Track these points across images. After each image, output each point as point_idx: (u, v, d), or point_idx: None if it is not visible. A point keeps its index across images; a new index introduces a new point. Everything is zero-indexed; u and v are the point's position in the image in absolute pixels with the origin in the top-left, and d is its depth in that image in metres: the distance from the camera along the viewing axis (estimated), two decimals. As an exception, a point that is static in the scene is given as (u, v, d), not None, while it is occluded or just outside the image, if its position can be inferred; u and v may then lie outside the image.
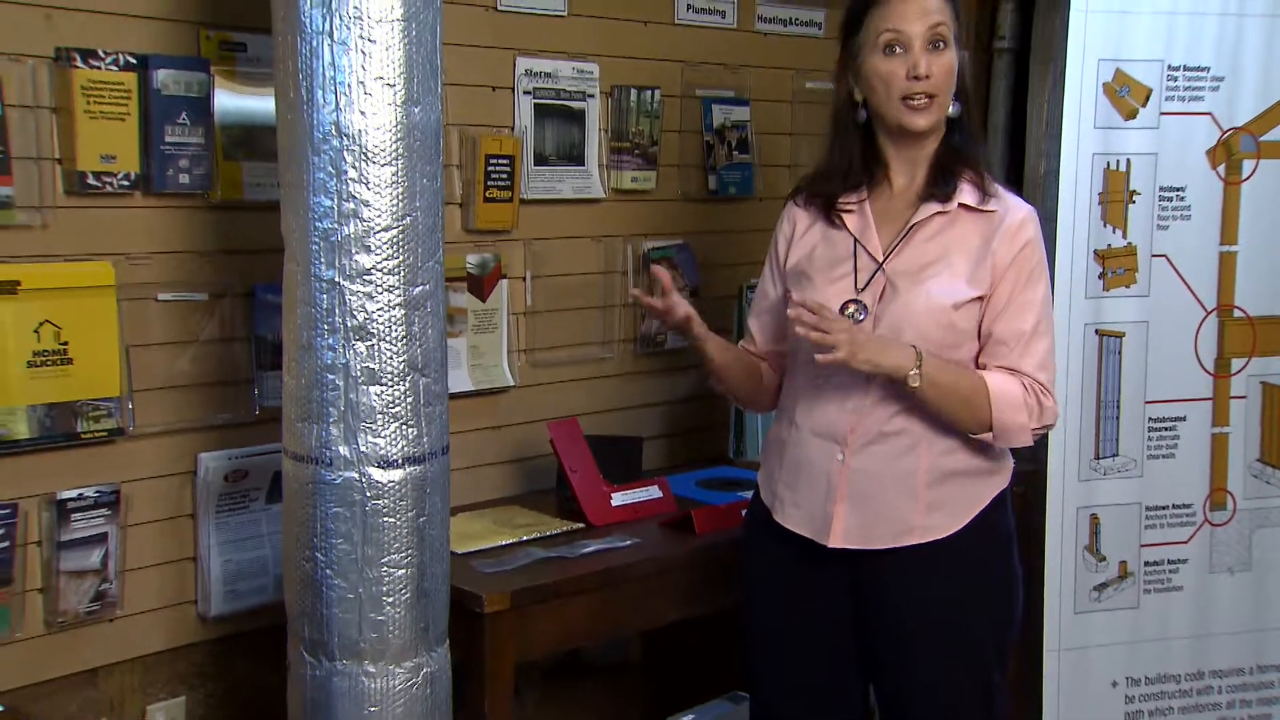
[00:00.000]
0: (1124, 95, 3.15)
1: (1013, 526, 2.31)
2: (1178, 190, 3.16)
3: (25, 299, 2.28)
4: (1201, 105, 3.16)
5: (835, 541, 2.24)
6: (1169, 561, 3.28)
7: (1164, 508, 3.24)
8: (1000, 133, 3.97)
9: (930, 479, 2.20)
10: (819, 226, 2.32)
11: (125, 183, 2.37)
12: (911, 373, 2.08)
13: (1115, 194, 3.19)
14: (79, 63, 2.29)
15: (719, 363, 2.38)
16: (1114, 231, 3.19)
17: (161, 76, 2.38)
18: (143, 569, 2.47)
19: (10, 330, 2.27)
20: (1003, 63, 3.95)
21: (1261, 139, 3.20)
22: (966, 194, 2.21)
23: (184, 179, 2.43)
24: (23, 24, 2.25)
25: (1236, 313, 3.24)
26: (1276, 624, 3.36)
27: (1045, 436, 2.48)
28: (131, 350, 2.41)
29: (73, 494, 2.36)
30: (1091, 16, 3.12)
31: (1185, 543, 3.29)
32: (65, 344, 2.33)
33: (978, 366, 2.20)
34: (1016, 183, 3.92)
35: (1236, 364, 3.27)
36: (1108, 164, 3.18)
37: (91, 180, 2.33)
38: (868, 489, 2.22)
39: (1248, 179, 3.20)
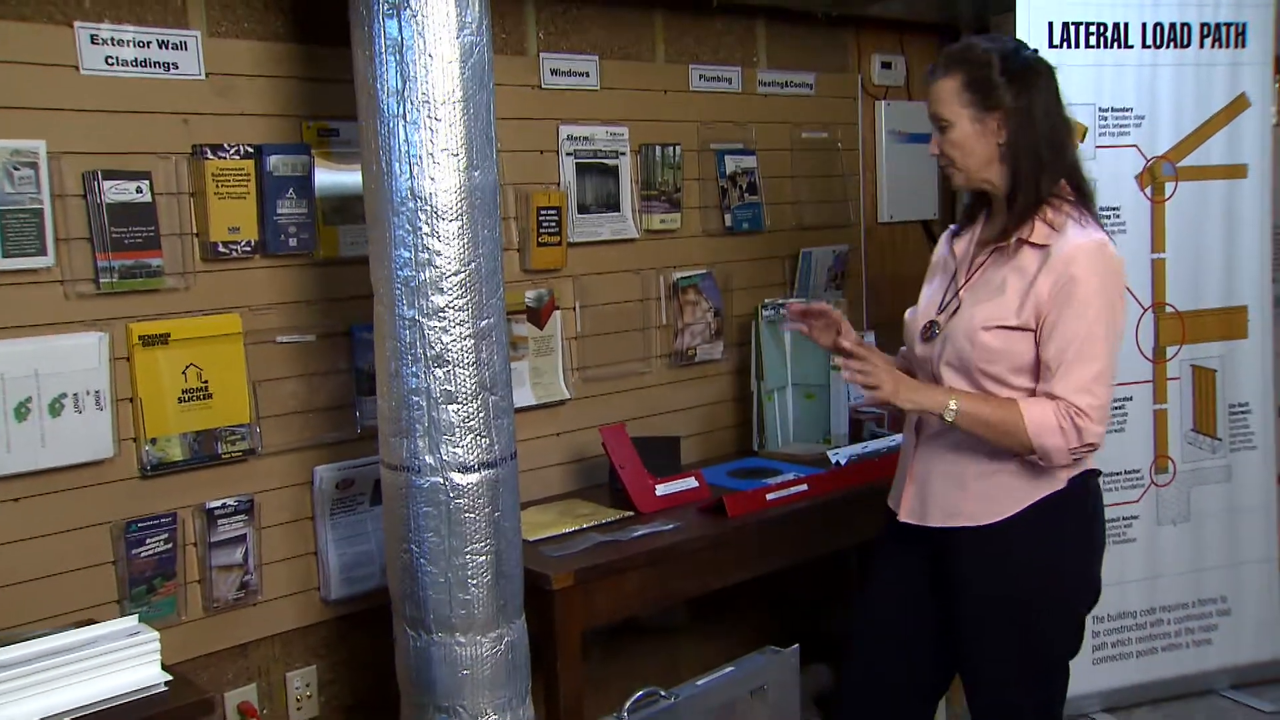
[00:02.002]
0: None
1: (1068, 527, 2.09)
2: (1114, 209, 3.12)
3: (174, 348, 2.28)
4: (1128, 139, 3.15)
5: (902, 515, 2.19)
6: (1123, 518, 3.22)
7: (1118, 473, 3.18)
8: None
9: (979, 472, 2.09)
10: (947, 251, 2.23)
11: (247, 249, 2.36)
12: (948, 409, 2.03)
13: (1063, 214, 3.13)
14: (209, 155, 2.29)
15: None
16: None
17: (273, 161, 2.37)
18: (275, 563, 2.46)
19: (165, 374, 2.27)
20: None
21: (1179, 165, 3.20)
22: (1031, 231, 2.04)
23: (293, 242, 2.41)
24: (167, 129, 2.27)
25: (1168, 309, 3.21)
26: (1211, 564, 3.32)
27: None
28: (257, 384, 2.40)
29: (218, 503, 2.36)
30: (1035, 69, 3.07)
31: (1136, 501, 3.23)
32: (206, 382, 2.33)
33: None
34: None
35: (1171, 351, 3.23)
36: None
37: (221, 248, 2.33)
38: (928, 474, 2.15)
39: (1170, 198, 3.19)
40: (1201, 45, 3.21)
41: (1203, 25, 3.21)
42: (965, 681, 2.20)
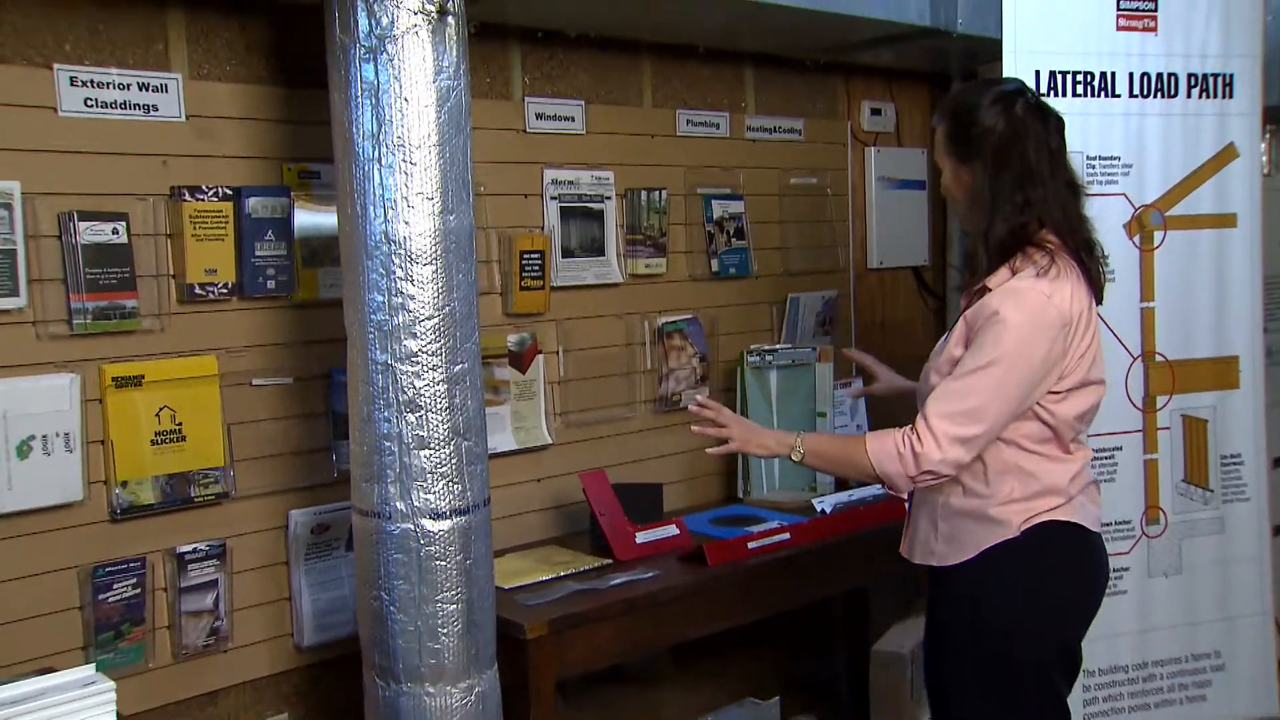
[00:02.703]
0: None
1: (1017, 578, 2.07)
2: (1104, 258, 3.08)
3: (148, 389, 2.26)
4: (1116, 187, 3.12)
5: (901, 549, 2.27)
6: (1115, 570, 3.13)
7: (1108, 524, 3.12)
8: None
9: (944, 513, 2.13)
10: None
11: (224, 290, 2.35)
12: (794, 453, 2.15)
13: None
14: (187, 196, 2.29)
15: None
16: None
17: (252, 203, 2.37)
18: (248, 608, 2.43)
19: (137, 416, 2.25)
20: (954, 157, 3.89)
21: (1167, 214, 3.17)
22: (996, 277, 2.05)
23: (271, 284, 2.40)
24: (145, 170, 2.26)
25: (1158, 358, 3.18)
26: (1204, 618, 3.25)
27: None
28: (232, 427, 2.37)
29: (189, 548, 2.33)
30: (1021, 117, 3.07)
31: (1127, 553, 3.18)
32: (180, 425, 2.30)
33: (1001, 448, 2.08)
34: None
35: (1161, 400, 3.19)
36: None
37: (198, 290, 2.32)
38: (916, 512, 2.22)
39: (1159, 247, 3.16)
40: (1189, 95, 3.21)
41: (1190, 75, 3.21)
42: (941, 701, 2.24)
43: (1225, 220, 3.25)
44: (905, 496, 2.19)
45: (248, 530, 2.41)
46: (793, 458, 2.14)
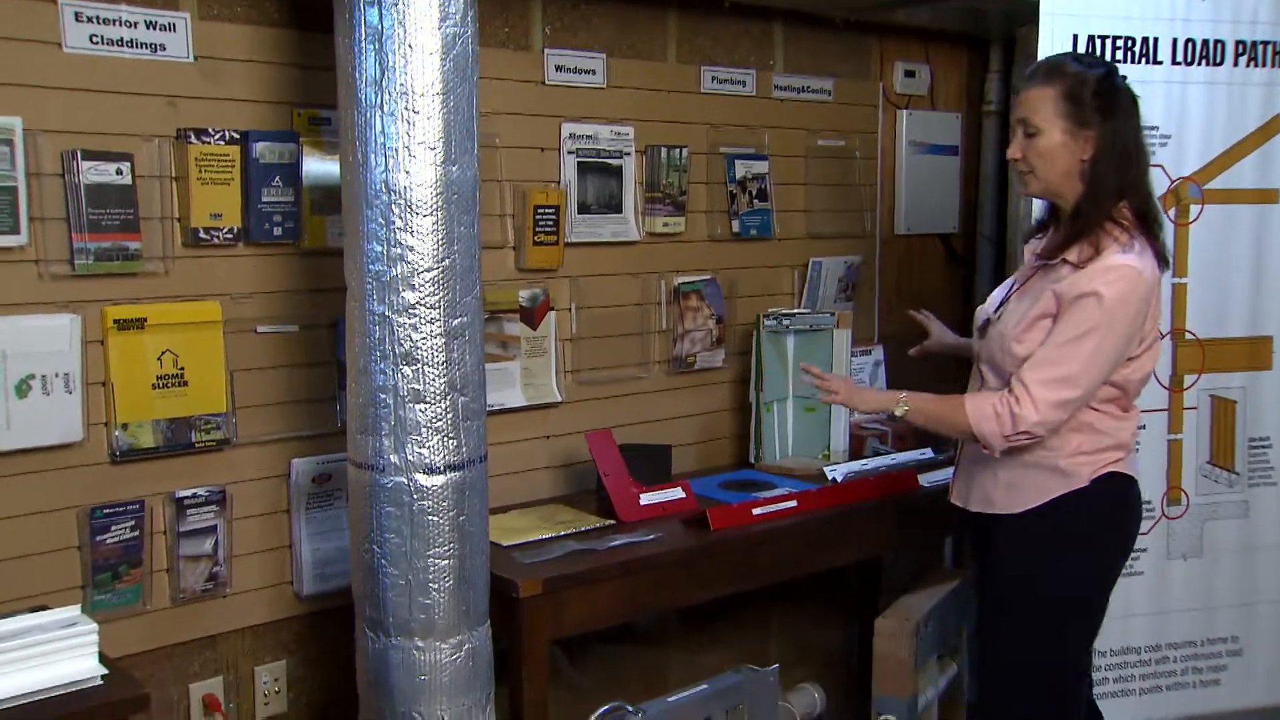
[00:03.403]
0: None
1: (1084, 528, 2.24)
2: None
3: (150, 333, 2.24)
4: (1154, 159, 2.96)
5: (952, 498, 2.42)
6: (1133, 551, 3.09)
7: (1127, 504, 3.05)
8: (990, 182, 3.81)
9: (1010, 464, 2.24)
10: (1023, 255, 2.42)
11: (229, 236, 2.32)
12: (898, 408, 2.30)
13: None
14: (194, 139, 2.26)
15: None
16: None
17: (259, 148, 2.33)
18: (248, 555, 2.42)
19: (139, 359, 2.23)
20: (990, 123, 3.79)
21: (1205, 187, 3.06)
22: (1077, 251, 2.17)
23: (277, 231, 2.37)
24: (151, 111, 2.23)
25: (1188, 335, 3.09)
26: (1223, 602, 3.18)
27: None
28: (235, 373, 2.36)
29: (189, 493, 2.32)
30: (1057, 82, 2.97)
31: (1146, 534, 3.10)
32: (182, 369, 2.29)
33: None
34: (1001, 224, 3.76)
35: (1189, 380, 3.10)
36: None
37: (203, 235, 2.29)
38: (970, 462, 2.35)
39: (1195, 221, 3.06)
40: (1235, 64, 3.09)
41: (1238, 43, 3.08)
42: (977, 646, 2.40)
43: (1267, 196, 3.14)
44: (999, 455, 2.25)
45: (249, 477, 2.40)
46: (896, 412, 2.30)
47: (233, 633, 2.43)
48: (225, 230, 2.31)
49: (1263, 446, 3.18)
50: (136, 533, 2.25)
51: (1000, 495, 2.27)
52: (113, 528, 2.21)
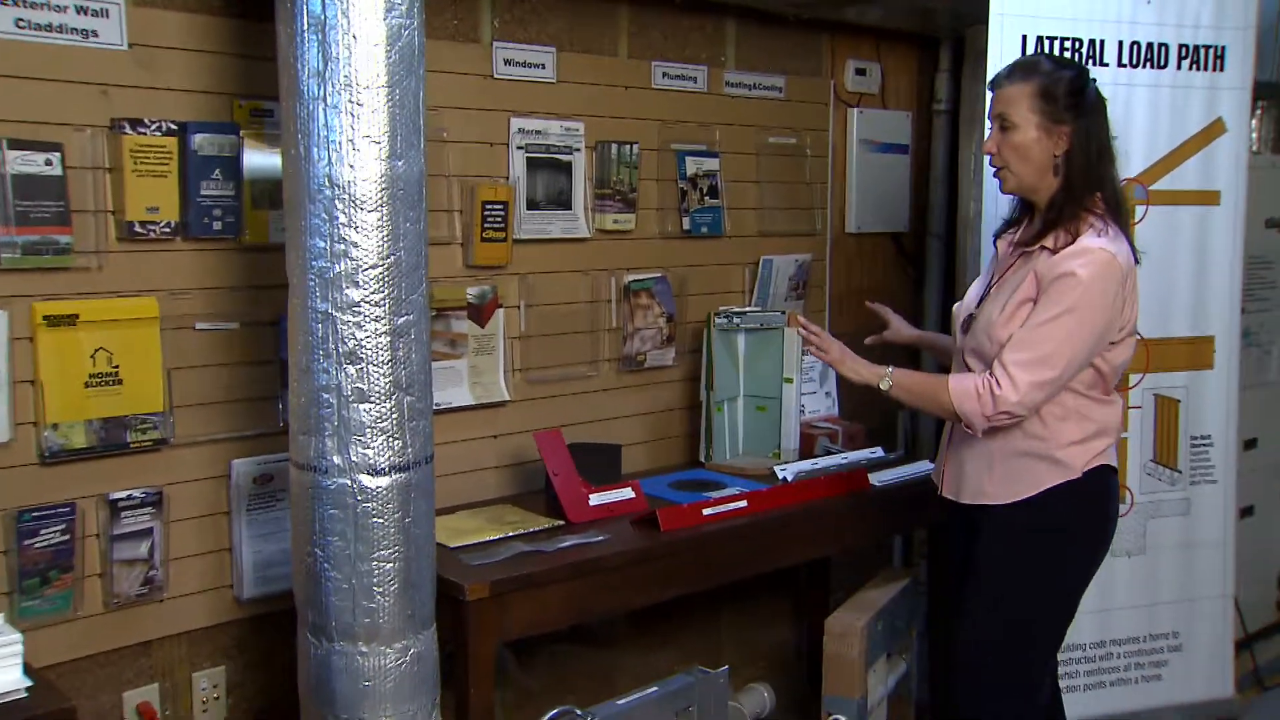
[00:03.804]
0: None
1: (1077, 515, 2.28)
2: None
3: (83, 329, 2.17)
4: (1102, 158, 3.02)
5: (943, 491, 2.43)
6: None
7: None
8: (941, 182, 3.83)
9: (1004, 455, 2.27)
10: (994, 251, 2.46)
11: (167, 230, 2.25)
12: (884, 382, 2.33)
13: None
14: (128, 130, 2.18)
15: (943, 356, 2.69)
16: (1026, 265, 3.04)
17: (198, 140, 2.27)
18: (185, 558, 2.35)
19: (71, 356, 2.16)
20: (940, 122, 3.81)
21: (1151, 188, 3.10)
22: (1054, 239, 2.22)
23: (217, 225, 2.31)
24: (84, 99, 2.15)
25: (1133, 335, 3.10)
26: (1164, 598, 3.23)
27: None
28: (173, 372, 2.29)
29: (123, 495, 2.24)
30: (1006, 82, 2.98)
31: (1091, 532, 3.13)
32: (117, 367, 2.21)
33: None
34: (951, 224, 3.77)
35: (1134, 379, 3.13)
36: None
37: (139, 228, 2.22)
38: (961, 454, 2.36)
39: (1140, 222, 3.07)
40: (1179, 67, 3.13)
41: (1181, 46, 3.13)
42: (955, 634, 2.37)
43: (1208, 197, 3.18)
44: (981, 435, 2.28)
45: (187, 478, 2.33)
46: (881, 386, 2.32)
47: (169, 638, 2.37)
48: (162, 224, 2.24)
49: (1204, 445, 3.23)
50: (67, 536, 2.18)
51: (994, 486, 2.30)
52: (42, 531, 2.14)
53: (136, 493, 2.26)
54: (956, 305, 2.49)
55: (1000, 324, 2.25)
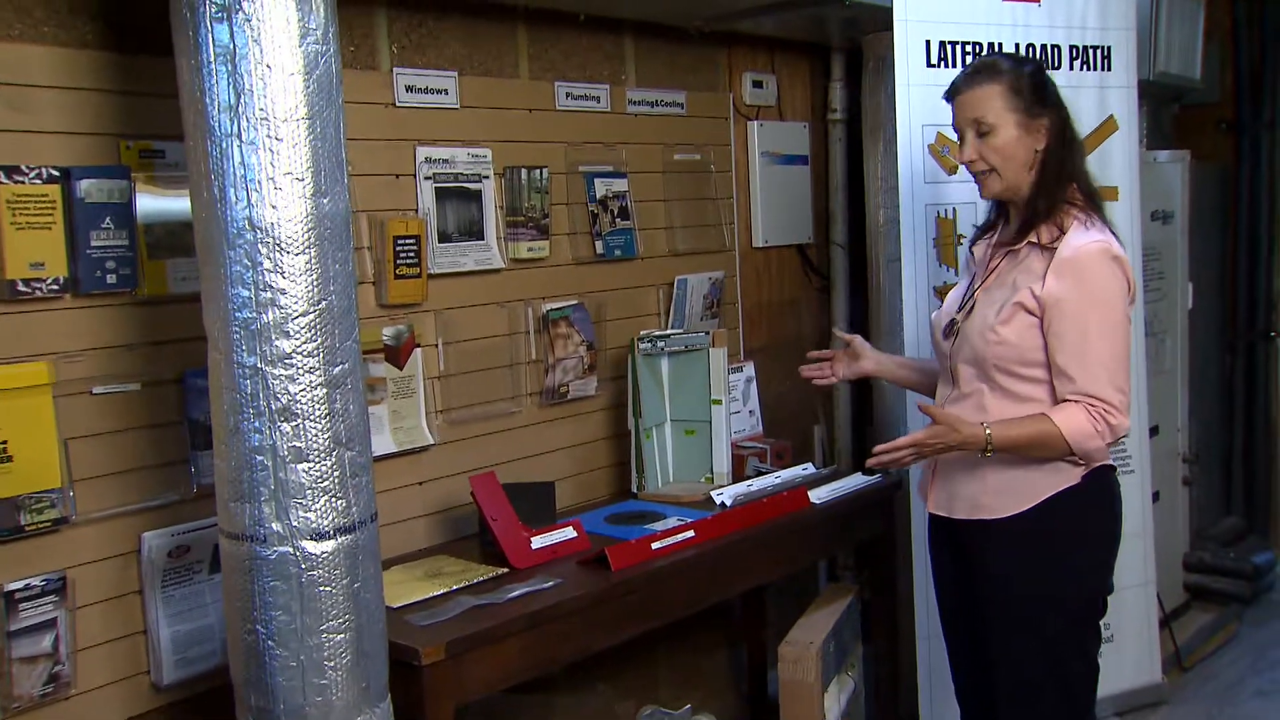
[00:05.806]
0: (946, 154, 3.05)
1: (1085, 520, 2.23)
2: (991, 230, 3.06)
3: (-37, 402, 1.97)
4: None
5: (930, 507, 2.37)
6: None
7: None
8: (841, 190, 3.86)
9: (997, 466, 2.21)
10: (969, 255, 2.43)
11: (55, 286, 2.07)
12: (987, 447, 2.16)
13: (946, 238, 3.10)
14: (4, 179, 2.00)
15: (904, 382, 2.64)
16: (948, 270, 3.08)
17: (84, 186, 2.10)
18: (95, 647, 2.16)
19: (-50, 433, 1.96)
20: (837, 130, 3.84)
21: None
22: (1041, 235, 2.20)
23: (111, 279, 2.14)
24: (-54, 146, 1.96)
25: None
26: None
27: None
28: (70, 442, 2.10)
29: (19, 584, 2.04)
30: (913, 89, 3.04)
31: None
32: (4, 442, 2.02)
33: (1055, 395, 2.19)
34: (859, 231, 3.81)
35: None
36: (938, 213, 3.09)
37: (22, 286, 2.04)
38: (952, 468, 2.29)
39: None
40: (1072, 67, 3.23)
41: (1071, 47, 3.23)
42: (991, 660, 2.28)
43: (1108, 193, 3.27)
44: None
45: (92, 559, 2.14)
46: (985, 452, 2.17)
47: (80, 739, 2.17)
48: (49, 280, 2.06)
49: (1121, 438, 3.32)
50: (-42, 636, 1.97)
51: (990, 499, 2.23)
52: (-69, 634, 1.93)
53: (35, 580, 2.06)
54: (934, 314, 2.45)
55: (1001, 321, 2.19)
